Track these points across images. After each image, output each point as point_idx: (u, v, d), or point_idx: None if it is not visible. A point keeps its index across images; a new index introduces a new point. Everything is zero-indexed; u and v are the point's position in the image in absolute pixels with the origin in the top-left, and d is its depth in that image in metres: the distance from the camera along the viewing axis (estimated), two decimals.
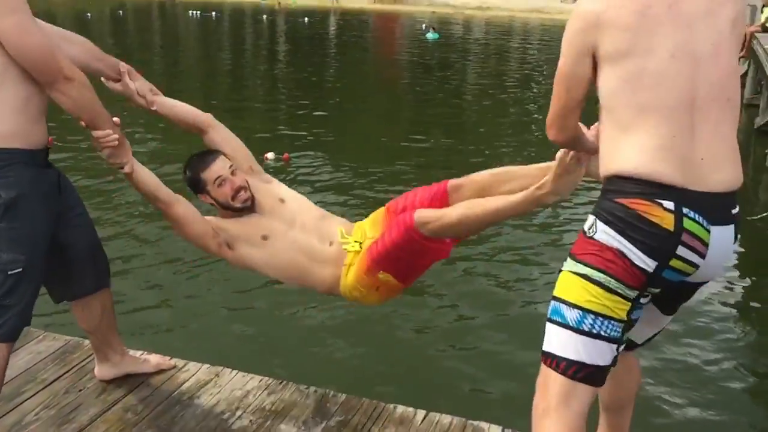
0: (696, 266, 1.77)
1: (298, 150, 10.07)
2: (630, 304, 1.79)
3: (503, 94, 15.76)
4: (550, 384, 1.84)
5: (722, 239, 1.77)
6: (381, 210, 2.68)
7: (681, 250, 1.73)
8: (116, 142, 2.43)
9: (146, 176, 2.54)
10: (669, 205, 1.71)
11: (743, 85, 13.87)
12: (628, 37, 1.74)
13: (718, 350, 5.20)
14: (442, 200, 2.53)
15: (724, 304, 5.91)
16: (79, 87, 2.25)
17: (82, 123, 2.40)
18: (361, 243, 2.56)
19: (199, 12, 33.23)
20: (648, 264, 1.74)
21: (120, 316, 3.02)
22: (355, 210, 7.75)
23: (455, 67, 19.63)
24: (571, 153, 2.13)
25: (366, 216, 2.72)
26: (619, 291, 1.76)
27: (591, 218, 1.83)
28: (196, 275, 6.12)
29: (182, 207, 2.57)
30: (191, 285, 5.96)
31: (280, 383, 2.94)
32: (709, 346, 5.23)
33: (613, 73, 1.78)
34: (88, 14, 30.95)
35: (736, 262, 6.79)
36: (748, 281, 6.48)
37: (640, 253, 1.73)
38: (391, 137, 11.21)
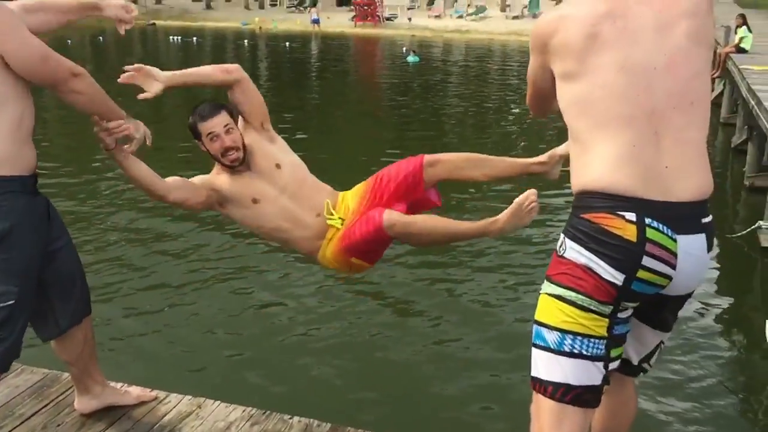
0: (668, 277, 1.75)
1: None
2: (607, 320, 1.77)
3: (484, 115, 15.87)
4: (541, 409, 1.83)
5: (692, 248, 1.75)
6: (364, 183, 2.81)
7: (647, 261, 1.71)
8: (128, 130, 2.46)
9: (142, 171, 2.55)
10: (630, 216, 1.71)
11: (719, 105, 14.09)
12: (577, 59, 1.78)
13: (702, 366, 5.22)
14: (416, 176, 2.70)
15: (708, 320, 5.94)
16: (88, 79, 2.26)
17: (95, 118, 2.37)
18: (343, 219, 2.70)
19: (179, 37, 33.26)
20: (616, 277, 1.73)
21: (100, 346, 2.97)
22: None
23: (436, 89, 19.76)
24: (529, 201, 2.42)
25: None
26: (592, 308, 1.75)
27: (561, 237, 1.85)
28: (178, 303, 6.06)
29: (177, 194, 2.62)
30: (172, 313, 5.89)
31: (264, 413, 2.89)
32: (693, 362, 5.25)
33: (568, 92, 1.82)
34: (69, 41, 30.87)
35: (719, 278, 6.84)
36: (731, 298, 6.52)
37: (607, 267, 1.72)
38: (373, 160, 11.21)
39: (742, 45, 13.86)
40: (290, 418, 2.86)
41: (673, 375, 5.03)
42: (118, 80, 2.59)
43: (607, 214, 1.73)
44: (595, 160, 1.76)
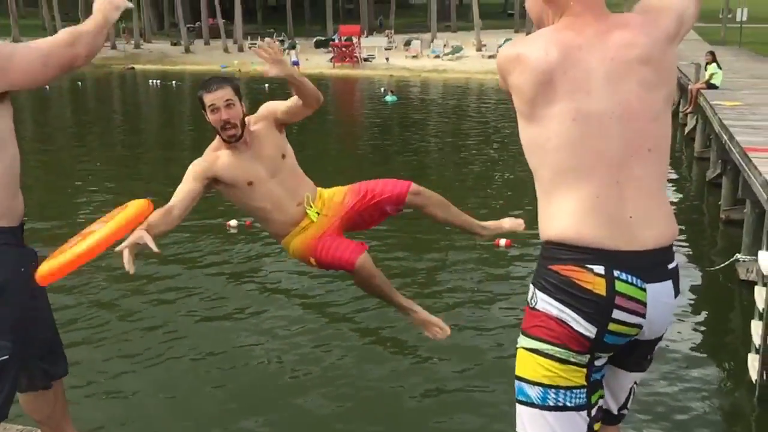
0: (639, 326, 1.75)
1: None
2: (585, 369, 1.78)
3: (463, 152, 16.01)
4: None
5: (661, 296, 1.75)
6: (344, 189, 3.15)
7: (618, 314, 1.71)
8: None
9: (161, 230, 2.69)
10: (599, 269, 1.70)
11: (693, 139, 14.35)
12: (529, 104, 1.77)
13: (685, 398, 5.24)
14: (400, 199, 3.08)
15: (690, 353, 5.97)
16: (82, 40, 2.27)
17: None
18: (319, 212, 3.02)
19: (158, 81, 33.40)
20: (589, 330, 1.72)
21: (83, 393, 2.91)
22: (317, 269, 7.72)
23: (415, 127, 19.95)
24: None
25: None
26: (571, 360, 1.75)
27: (531, 288, 1.82)
28: (161, 350, 5.98)
29: (184, 211, 2.80)
30: (155, 361, 5.81)
31: None
32: (676, 395, 5.27)
33: (525, 130, 1.81)
34: (47, 87, 30.86)
35: (699, 312, 6.89)
36: (712, 331, 6.55)
37: (579, 319, 1.72)
38: None
39: (712, 81, 14.19)
40: None
41: (656, 408, 5.03)
42: (253, 49, 2.75)
43: (576, 267, 1.72)
44: (561, 211, 1.75)
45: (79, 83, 33.47)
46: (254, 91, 30.37)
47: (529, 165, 1.84)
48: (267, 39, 3.10)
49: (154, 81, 33.53)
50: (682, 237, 9.29)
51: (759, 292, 5.61)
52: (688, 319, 6.67)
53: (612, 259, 1.71)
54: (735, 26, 28.97)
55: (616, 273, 1.70)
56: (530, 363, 1.80)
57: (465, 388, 5.47)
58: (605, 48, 1.78)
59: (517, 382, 1.85)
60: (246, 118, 2.97)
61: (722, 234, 9.46)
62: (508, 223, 3.24)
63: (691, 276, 7.70)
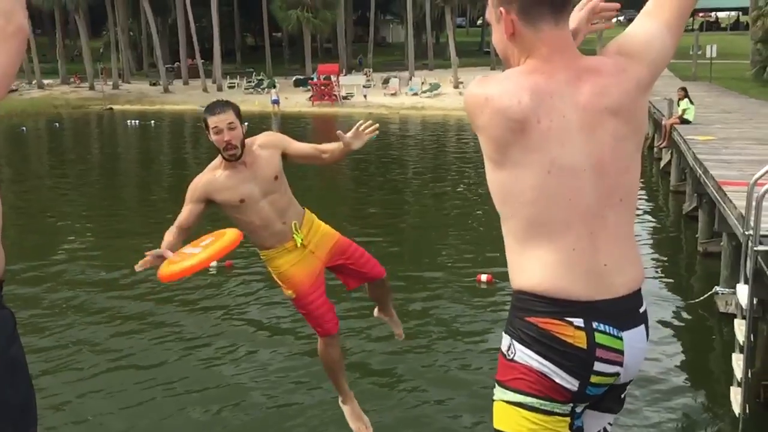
0: (617, 374, 1.76)
1: (239, 256, 9.96)
2: (569, 417, 1.77)
3: (441, 187, 16.08)
4: None
5: (635, 341, 1.77)
6: (334, 235, 3.60)
7: (598, 366, 1.72)
8: None
9: (177, 247, 3.07)
10: (579, 322, 1.70)
11: (669, 173, 14.55)
12: (500, 151, 1.72)
13: (666, 427, 5.21)
14: (370, 278, 3.58)
15: (671, 387, 5.96)
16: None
17: None
18: (303, 240, 3.40)
19: (137, 121, 33.36)
20: (571, 383, 1.72)
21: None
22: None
23: (395, 164, 20.05)
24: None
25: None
26: (556, 411, 1.74)
27: (506, 339, 1.80)
28: (146, 385, 5.87)
29: (192, 229, 3.16)
30: (140, 395, 5.69)
31: None
32: (657, 424, 5.25)
33: (494, 175, 1.77)
34: (23, 128, 30.69)
35: (679, 345, 6.90)
36: (692, 365, 6.55)
37: (562, 373, 1.71)
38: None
39: (685, 116, 14.45)
40: None
41: None
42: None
43: (555, 320, 1.70)
44: (536, 263, 1.73)
45: (56, 124, 33.32)
46: None
47: (498, 210, 1.81)
48: (366, 122, 3.53)
49: (132, 121, 33.46)
50: (662, 270, 9.36)
51: (738, 324, 5.63)
52: (669, 352, 6.67)
53: (590, 310, 1.71)
54: (705, 62, 29.66)
55: (594, 324, 1.70)
56: (513, 416, 1.77)
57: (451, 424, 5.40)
58: (577, 96, 1.74)
59: None
60: (246, 140, 3.24)
61: (700, 266, 9.53)
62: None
63: (670, 308, 7.73)
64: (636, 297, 1.80)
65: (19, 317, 2.00)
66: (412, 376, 6.17)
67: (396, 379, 6.12)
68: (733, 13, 60.72)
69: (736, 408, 5.30)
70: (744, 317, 5.35)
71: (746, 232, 5.39)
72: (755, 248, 5.18)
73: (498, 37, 1.84)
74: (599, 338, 1.70)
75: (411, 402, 5.73)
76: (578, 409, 1.80)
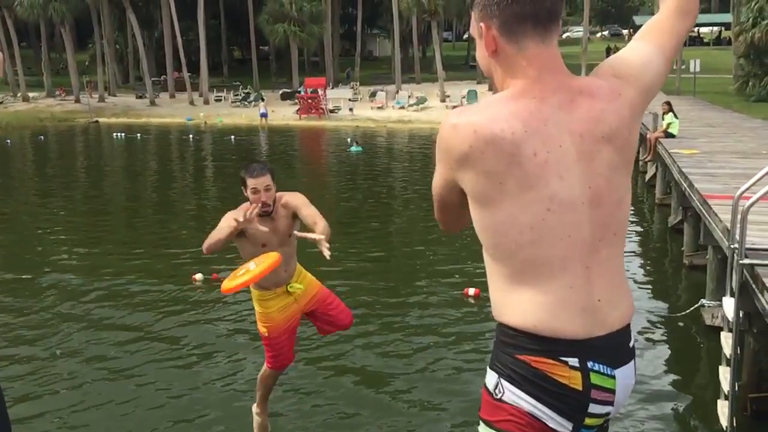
0: (608, 414, 1.71)
1: (226, 269, 9.90)
2: None
3: (429, 201, 16.08)
4: None
5: (626, 378, 1.71)
6: (317, 286, 4.17)
7: (593, 408, 1.65)
8: None
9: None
10: (573, 362, 1.62)
11: (654, 186, 14.65)
12: (494, 187, 1.59)
13: None
14: (338, 326, 4.25)
15: (657, 401, 5.94)
16: None
17: None
18: (293, 290, 4.00)
19: (123, 134, 33.20)
20: (564, 426, 1.64)
21: None
22: None
23: (381, 177, 20.06)
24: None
25: None
26: None
27: (493, 376, 1.70)
28: (121, 405, 5.78)
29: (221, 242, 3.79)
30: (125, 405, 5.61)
31: None
32: None
33: (485, 218, 1.65)
34: (8, 141, 30.46)
35: (666, 358, 6.91)
36: (679, 377, 6.56)
37: (554, 415, 1.63)
38: (316, 251, 11.17)
39: (670, 130, 14.58)
40: None
41: None
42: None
43: (548, 359, 1.62)
44: (529, 303, 1.63)
45: (41, 137, 33.11)
46: (221, 144, 30.38)
47: (487, 251, 1.70)
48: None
49: (119, 134, 33.32)
50: (647, 283, 9.39)
51: (725, 337, 5.65)
52: (655, 365, 6.67)
53: (584, 348, 1.64)
54: (689, 77, 29.98)
55: (589, 364, 1.63)
56: None
57: None
58: (572, 122, 1.62)
59: None
60: (276, 194, 3.75)
61: (686, 279, 9.57)
62: None
63: (656, 321, 7.75)
64: (627, 331, 1.75)
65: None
66: (399, 382, 6.13)
67: (379, 389, 6.09)
68: (715, 29, 61.52)
69: (724, 421, 5.30)
70: (731, 330, 5.37)
71: (731, 246, 5.42)
72: (741, 261, 5.21)
73: (481, 54, 1.72)
74: (594, 378, 1.64)
75: (395, 409, 5.69)
76: None
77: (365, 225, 13.66)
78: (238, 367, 6.58)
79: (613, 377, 1.67)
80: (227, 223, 3.64)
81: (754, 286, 5.09)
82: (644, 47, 1.76)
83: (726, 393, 5.35)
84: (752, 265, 5.19)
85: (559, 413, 1.63)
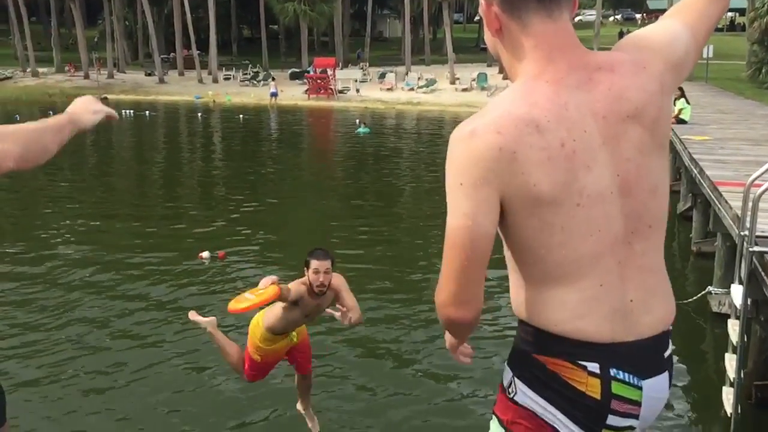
0: (631, 428, 1.54)
1: (233, 247, 9.93)
2: None
3: (436, 181, 16.04)
4: None
5: (656, 391, 1.54)
6: (305, 332, 4.63)
7: (612, 420, 1.49)
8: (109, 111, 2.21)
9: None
10: (594, 367, 1.46)
11: None
12: (531, 187, 1.41)
13: (656, 428, 5.20)
14: (302, 370, 4.73)
15: None
16: (27, 148, 1.84)
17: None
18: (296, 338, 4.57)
19: (132, 111, 33.19)
20: None
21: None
22: None
23: (388, 159, 20.01)
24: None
25: None
26: None
27: (508, 373, 1.59)
28: (123, 387, 5.81)
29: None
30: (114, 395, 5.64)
31: None
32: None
33: (520, 232, 1.47)
34: (17, 116, 30.49)
35: (674, 341, 6.88)
36: (684, 365, 6.55)
37: (568, 423, 1.49)
38: (324, 232, 11.19)
39: (681, 116, 14.45)
40: None
41: None
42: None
43: (566, 363, 1.47)
44: (554, 303, 1.49)
45: (51, 112, 33.03)
46: (230, 122, 30.35)
47: (512, 258, 1.54)
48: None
49: (127, 111, 33.30)
50: None
51: (732, 325, 5.63)
52: None
53: (608, 354, 1.47)
54: (701, 62, 29.67)
55: (612, 372, 1.47)
56: None
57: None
58: (593, 103, 1.45)
59: None
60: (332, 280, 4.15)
61: (694, 266, 9.54)
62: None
63: None
64: (663, 339, 1.57)
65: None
66: (411, 358, 6.15)
67: (394, 362, 6.11)
68: (729, 14, 60.85)
69: (728, 408, 5.30)
70: (738, 317, 5.34)
71: (741, 233, 5.38)
72: (750, 249, 5.17)
73: (487, 35, 1.58)
74: (616, 388, 1.47)
75: (410, 381, 5.71)
76: None
77: (371, 204, 13.64)
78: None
79: (640, 388, 1.49)
80: (296, 289, 4.10)
81: (763, 273, 5.05)
82: (672, 23, 1.60)
83: (731, 380, 5.34)
84: (762, 253, 5.15)
85: (573, 421, 1.48)
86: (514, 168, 1.39)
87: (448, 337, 1.80)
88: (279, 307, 4.19)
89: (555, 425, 1.49)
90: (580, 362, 1.47)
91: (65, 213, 12.63)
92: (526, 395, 1.52)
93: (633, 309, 1.50)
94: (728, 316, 5.85)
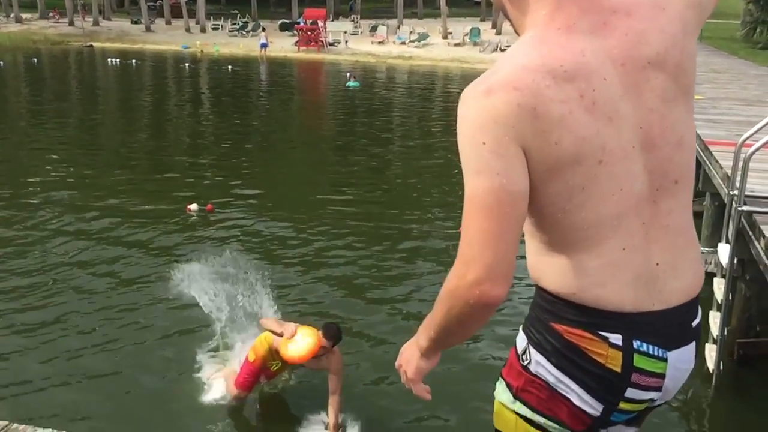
0: (653, 400, 1.46)
1: (221, 199, 9.87)
2: None
3: (427, 138, 15.96)
4: None
5: (682, 362, 1.45)
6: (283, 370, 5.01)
7: (631, 393, 1.40)
8: None
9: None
10: (615, 339, 1.36)
11: None
12: (552, 145, 1.29)
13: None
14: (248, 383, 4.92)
15: None
16: None
17: None
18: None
19: (118, 59, 32.62)
20: (594, 407, 1.42)
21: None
22: (274, 253, 7.64)
23: (379, 113, 19.85)
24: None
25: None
26: None
27: (522, 340, 1.49)
28: (99, 345, 5.82)
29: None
30: (96, 358, 5.65)
31: None
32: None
33: (541, 197, 1.35)
34: (1, 62, 29.90)
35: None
36: None
37: (584, 395, 1.40)
38: (314, 185, 11.14)
39: None
40: None
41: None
42: None
43: (586, 333, 1.37)
44: (574, 268, 1.37)
45: (35, 60, 32.52)
46: (218, 73, 29.90)
47: (530, 225, 1.43)
48: None
49: (113, 59, 32.73)
50: None
51: (718, 283, 5.68)
52: None
53: (631, 324, 1.36)
54: None
55: (635, 344, 1.37)
56: (518, 426, 1.51)
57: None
58: (610, 49, 1.34)
59: None
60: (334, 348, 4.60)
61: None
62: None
63: None
64: (691, 307, 1.47)
65: None
66: (393, 330, 6.18)
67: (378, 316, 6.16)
68: None
69: (711, 365, 5.38)
70: (724, 276, 5.39)
71: (731, 192, 5.39)
72: (739, 208, 5.18)
73: None
74: (638, 361, 1.37)
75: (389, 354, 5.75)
76: None
77: (361, 161, 13.56)
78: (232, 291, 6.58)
79: (665, 360, 1.40)
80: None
81: (750, 233, 5.08)
82: None
83: (714, 337, 5.41)
84: (750, 212, 5.17)
85: (589, 392, 1.39)
86: (535, 125, 1.27)
87: (415, 364, 1.55)
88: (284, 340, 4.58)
89: (569, 396, 1.41)
90: (601, 333, 1.36)
91: (50, 162, 12.47)
92: (540, 364, 1.43)
93: (659, 274, 1.39)
94: (714, 275, 5.90)
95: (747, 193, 5.36)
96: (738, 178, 5.27)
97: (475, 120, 1.29)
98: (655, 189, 1.38)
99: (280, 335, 4.51)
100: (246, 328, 5.36)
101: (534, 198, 1.32)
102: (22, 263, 7.36)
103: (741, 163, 5.26)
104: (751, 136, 5.56)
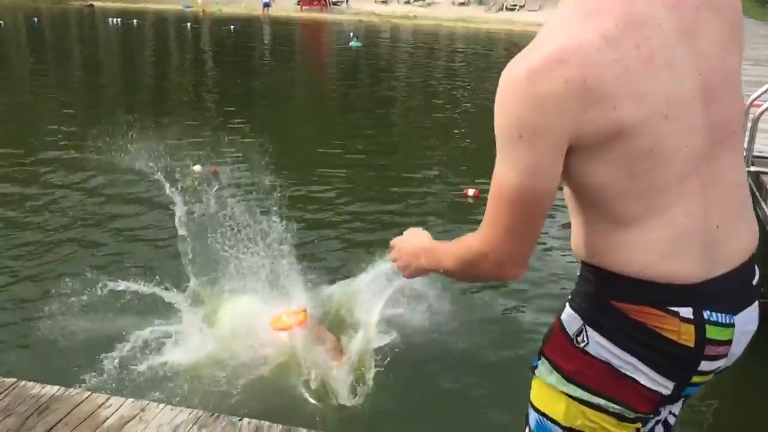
0: (719, 369, 1.37)
1: (224, 160, 9.83)
2: (640, 424, 1.40)
3: (429, 100, 15.84)
4: None
5: (747, 323, 1.36)
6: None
7: (704, 365, 1.32)
8: None
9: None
10: (686, 312, 1.27)
11: None
12: (611, 110, 1.18)
13: None
14: None
15: None
16: None
17: None
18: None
19: (119, 19, 32.27)
20: (665, 385, 1.33)
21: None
22: (279, 213, 7.66)
23: (382, 73, 19.67)
24: None
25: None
26: (627, 416, 1.36)
27: (576, 319, 1.37)
28: (109, 302, 5.85)
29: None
30: (104, 314, 5.67)
31: (212, 416, 2.78)
32: None
33: (591, 165, 1.24)
34: (1, 22, 29.60)
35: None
36: None
37: (653, 374, 1.31)
38: (317, 145, 11.09)
39: None
40: (240, 420, 2.76)
41: None
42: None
43: (654, 310, 1.27)
44: (636, 242, 1.27)
45: (35, 19, 32.17)
46: (220, 33, 29.59)
47: (579, 202, 1.33)
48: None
49: (114, 19, 32.37)
50: None
51: None
52: None
53: (701, 294, 1.28)
54: None
55: (705, 314, 1.28)
56: (567, 407, 1.39)
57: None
58: None
59: (537, 416, 1.46)
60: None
61: None
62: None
63: None
64: (752, 265, 1.38)
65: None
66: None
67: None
68: None
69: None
70: None
71: None
72: (747, 169, 5.15)
73: None
74: (710, 332, 1.28)
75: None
76: (661, 411, 1.44)
77: (363, 124, 13.47)
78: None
79: (732, 325, 1.31)
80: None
81: (758, 194, 5.05)
82: None
83: None
84: (758, 173, 5.14)
85: (659, 371, 1.30)
86: (587, 98, 1.16)
87: (414, 269, 1.56)
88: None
89: (635, 376, 1.31)
90: (670, 308, 1.26)
91: (54, 119, 12.40)
92: (600, 345, 1.32)
93: (720, 237, 1.30)
94: None
95: (755, 153, 5.33)
96: (746, 139, 5.23)
97: (515, 107, 1.20)
98: (717, 143, 1.27)
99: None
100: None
101: (590, 173, 1.24)
102: (39, 220, 7.38)
103: (750, 124, 5.21)
104: (759, 96, 5.50)
